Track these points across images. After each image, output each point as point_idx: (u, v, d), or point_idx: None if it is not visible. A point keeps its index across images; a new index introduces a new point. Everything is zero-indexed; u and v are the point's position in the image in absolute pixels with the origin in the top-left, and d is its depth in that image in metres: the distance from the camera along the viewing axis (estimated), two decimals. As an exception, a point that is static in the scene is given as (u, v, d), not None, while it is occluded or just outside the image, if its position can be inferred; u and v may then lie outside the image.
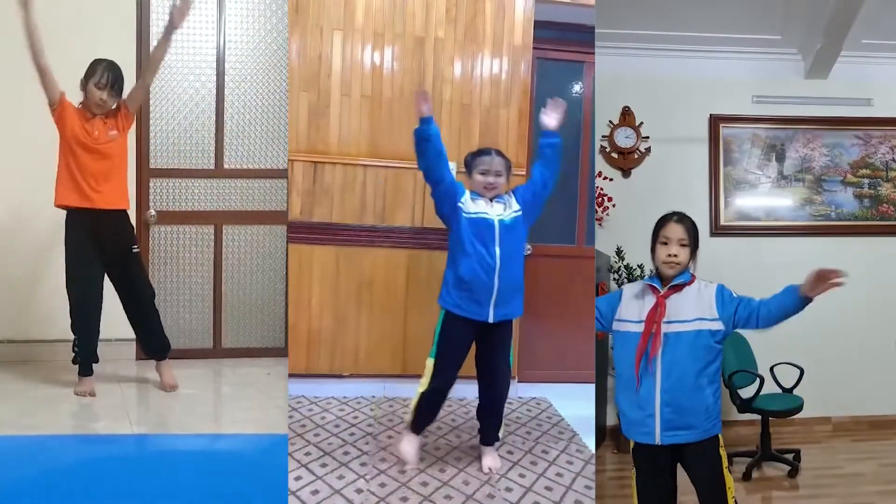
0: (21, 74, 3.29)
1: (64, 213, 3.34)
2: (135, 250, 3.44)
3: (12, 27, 3.16)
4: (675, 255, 2.18)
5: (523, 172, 3.75)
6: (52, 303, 3.83)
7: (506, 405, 3.15)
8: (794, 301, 2.10)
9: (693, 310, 2.15)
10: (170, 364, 3.54)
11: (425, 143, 2.72)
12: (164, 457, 2.87)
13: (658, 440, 2.14)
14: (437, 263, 3.48)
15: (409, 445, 2.87)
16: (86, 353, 3.38)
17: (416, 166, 3.54)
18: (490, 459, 2.91)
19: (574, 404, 3.69)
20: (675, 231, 2.20)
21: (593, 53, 4.04)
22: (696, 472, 2.19)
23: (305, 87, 3.58)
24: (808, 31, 4.42)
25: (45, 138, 3.34)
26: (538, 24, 3.79)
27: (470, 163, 2.87)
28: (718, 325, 2.15)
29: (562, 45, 4.07)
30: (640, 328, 2.17)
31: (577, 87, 4.20)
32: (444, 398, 2.85)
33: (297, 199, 3.59)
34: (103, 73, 3.26)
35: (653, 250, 2.25)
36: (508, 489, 2.71)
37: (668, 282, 2.21)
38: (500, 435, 3.00)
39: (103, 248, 3.33)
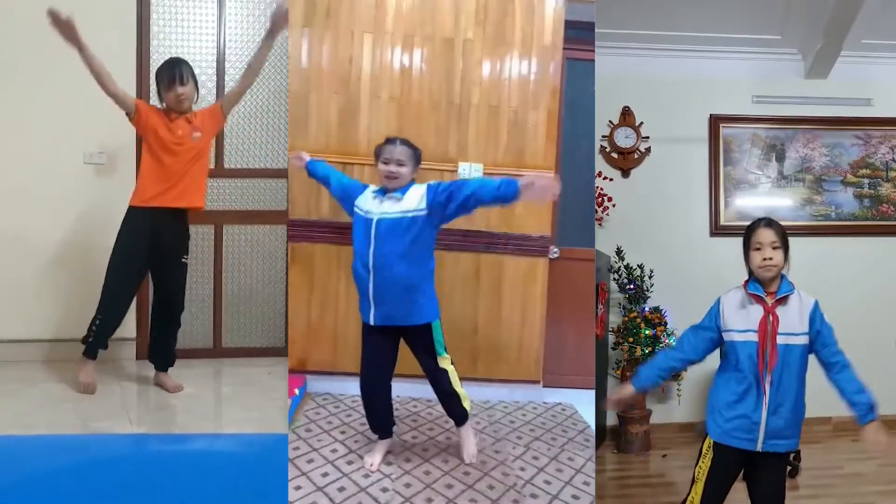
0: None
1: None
2: (184, 260, 3.45)
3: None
4: (770, 259, 2.25)
5: (552, 174, 3.74)
6: (53, 303, 3.84)
7: (530, 409, 3.35)
8: (859, 415, 2.30)
9: (798, 323, 2.24)
10: (168, 373, 3.56)
11: (318, 180, 3.13)
12: (163, 457, 2.86)
13: (759, 447, 2.23)
14: (452, 263, 3.60)
15: (374, 451, 2.89)
16: (101, 335, 3.37)
17: (442, 167, 3.60)
18: (468, 445, 2.93)
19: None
20: (767, 235, 2.27)
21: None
22: (766, 477, 2.29)
23: (336, 89, 3.61)
24: (808, 31, 4.42)
25: (59, 140, 3.31)
26: (568, 24, 3.74)
27: (378, 152, 2.78)
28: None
29: (593, 46, 4.02)
30: (747, 337, 2.24)
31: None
32: (378, 396, 2.85)
33: (325, 200, 3.59)
34: (163, 73, 3.30)
35: (746, 258, 2.32)
36: (534, 496, 2.67)
37: (767, 286, 2.27)
38: (468, 408, 2.95)
39: (156, 249, 3.35)
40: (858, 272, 4.62)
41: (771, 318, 2.22)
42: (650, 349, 4.09)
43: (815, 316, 2.25)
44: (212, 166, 4.05)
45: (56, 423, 3.04)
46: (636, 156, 4.59)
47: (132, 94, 3.67)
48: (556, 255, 3.87)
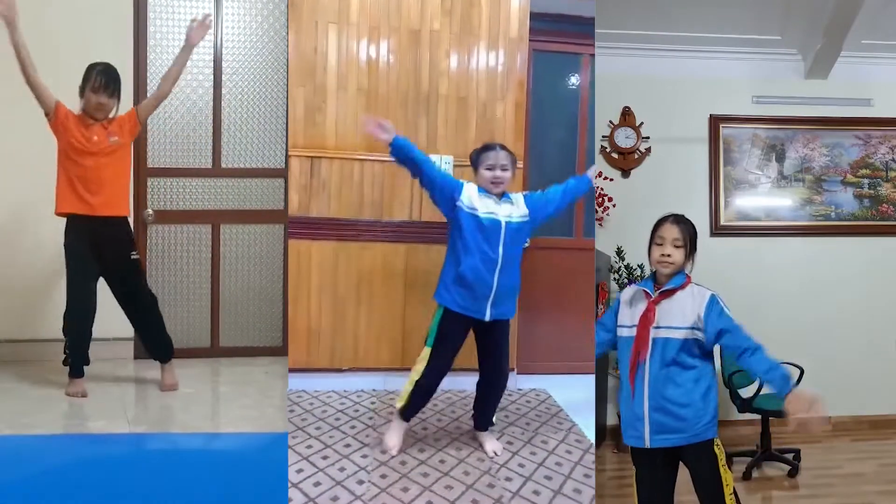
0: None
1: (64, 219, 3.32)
2: (133, 257, 3.41)
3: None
4: (669, 255, 2.21)
5: (520, 165, 3.74)
6: (49, 302, 3.83)
7: (505, 396, 3.24)
8: (777, 390, 2.12)
9: (683, 316, 2.17)
10: (173, 365, 3.54)
11: (402, 162, 2.77)
12: (161, 456, 2.85)
13: (647, 443, 2.19)
14: (435, 257, 3.50)
15: (395, 433, 2.91)
16: (77, 356, 3.36)
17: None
18: (493, 443, 2.97)
19: (573, 395, 3.68)
20: (671, 231, 2.23)
21: (590, 45, 4.01)
22: (693, 472, 2.23)
23: (301, 81, 3.57)
24: (808, 31, 4.42)
25: (48, 142, 3.32)
26: (534, 16, 3.76)
27: (475, 159, 2.87)
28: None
29: (558, 37, 4.04)
30: (631, 332, 2.22)
31: (573, 80, 4.17)
32: (437, 388, 2.91)
33: (294, 194, 3.57)
34: (97, 77, 3.25)
35: (649, 251, 2.28)
36: (508, 479, 2.71)
37: (662, 283, 2.23)
38: (494, 420, 3.08)
39: (101, 255, 3.32)
40: (858, 272, 4.61)
41: (649, 314, 2.18)
42: (650, 349, 4.09)
43: (711, 311, 2.16)
44: (209, 165, 4.06)
45: (54, 423, 3.04)
46: (636, 156, 4.58)
47: (129, 95, 3.66)
48: (525, 245, 3.88)
